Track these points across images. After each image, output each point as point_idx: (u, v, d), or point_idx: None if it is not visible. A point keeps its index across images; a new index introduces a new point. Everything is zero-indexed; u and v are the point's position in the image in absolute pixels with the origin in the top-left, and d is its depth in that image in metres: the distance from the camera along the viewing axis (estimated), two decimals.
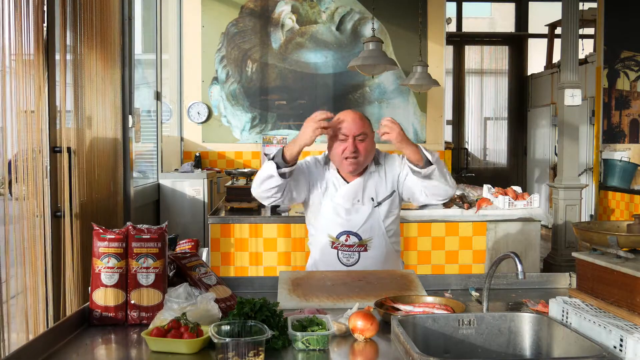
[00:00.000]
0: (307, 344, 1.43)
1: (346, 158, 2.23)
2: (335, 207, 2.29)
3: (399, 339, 1.44)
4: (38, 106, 2.24)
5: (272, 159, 2.16)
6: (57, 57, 2.37)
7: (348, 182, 2.32)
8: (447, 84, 8.60)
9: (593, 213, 7.40)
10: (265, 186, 2.18)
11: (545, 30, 9.47)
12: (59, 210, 2.40)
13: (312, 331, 1.46)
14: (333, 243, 2.30)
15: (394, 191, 2.34)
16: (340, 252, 2.29)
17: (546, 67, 9.40)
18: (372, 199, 2.30)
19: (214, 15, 6.55)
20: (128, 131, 3.28)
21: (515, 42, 10.28)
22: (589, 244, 1.64)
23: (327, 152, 2.38)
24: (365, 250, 2.29)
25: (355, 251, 2.29)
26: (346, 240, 2.29)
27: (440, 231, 4.04)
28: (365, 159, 2.27)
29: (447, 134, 9.70)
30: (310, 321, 1.51)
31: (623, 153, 6.67)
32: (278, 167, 2.13)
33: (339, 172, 2.34)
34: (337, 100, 6.65)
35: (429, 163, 2.12)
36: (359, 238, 2.28)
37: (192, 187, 5.29)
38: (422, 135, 6.79)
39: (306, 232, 3.96)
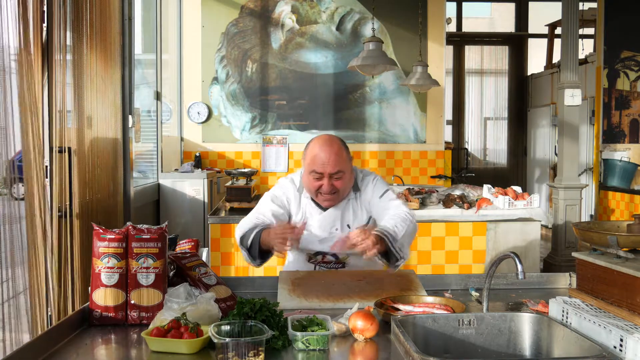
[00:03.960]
0: (307, 344, 1.43)
1: (322, 195, 2.13)
2: (311, 234, 2.19)
3: (399, 339, 1.44)
4: (38, 106, 2.24)
5: (249, 247, 2.01)
6: (57, 57, 2.37)
7: (324, 209, 2.21)
8: (447, 84, 8.60)
9: (593, 213, 7.40)
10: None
11: (545, 30, 9.46)
12: (59, 210, 2.40)
13: (312, 331, 1.46)
14: (310, 258, 2.26)
15: (370, 217, 2.24)
16: (318, 266, 2.25)
17: (546, 67, 9.40)
18: (349, 226, 2.20)
19: (214, 15, 6.55)
20: (128, 131, 3.28)
21: (515, 42, 10.28)
22: (589, 244, 1.64)
23: (301, 178, 2.25)
24: (344, 266, 2.25)
25: (334, 267, 2.24)
26: (323, 259, 2.25)
27: (440, 231, 4.04)
28: (343, 194, 2.16)
29: (447, 134, 9.69)
30: (310, 321, 1.51)
31: (623, 153, 6.67)
32: (253, 257, 2.04)
33: (314, 201, 2.23)
34: (337, 100, 6.65)
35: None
36: (336, 257, 2.24)
37: (192, 187, 5.29)
38: (422, 135, 6.79)
39: None
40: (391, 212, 2.13)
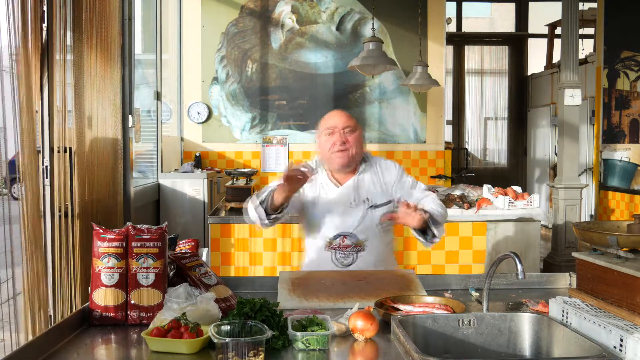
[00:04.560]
0: (307, 344, 1.43)
1: (335, 152, 2.22)
2: (329, 211, 2.26)
3: (399, 339, 1.44)
4: (38, 106, 2.24)
5: (262, 202, 2.14)
6: (57, 57, 2.37)
7: (340, 185, 2.29)
8: (447, 84, 8.60)
9: (593, 213, 7.40)
10: (259, 224, 2.22)
11: (545, 30, 9.47)
12: (59, 210, 2.40)
13: (312, 331, 1.46)
14: (329, 244, 2.28)
15: (391, 200, 2.31)
16: (336, 252, 2.27)
17: (546, 67, 9.40)
18: (365, 201, 2.27)
19: (214, 15, 6.55)
20: (128, 131, 3.28)
21: (515, 42, 10.28)
22: (589, 244, 1.64)
23: (317, 157, 2.36)
24: (362, 250, 2.27)
25: (352, 252, 2.26)
26: (342, 242, 2.27)
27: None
28: (356, 152, 2.25)
29: (447, 134, 9.69)
30: (310, 321, 1.51)
31: (623, 153, 6.67)
32: (267, 214, 2.15)
33: (330, 174, 2.31)
34: (337, 100, 6.65)
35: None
36: (355, 239, 2.26)
37: (192, 187, 5.29)
38: (422, 135, 6.79)
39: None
40: (428, 200, 2.27)
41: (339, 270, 2.27)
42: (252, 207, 2.18)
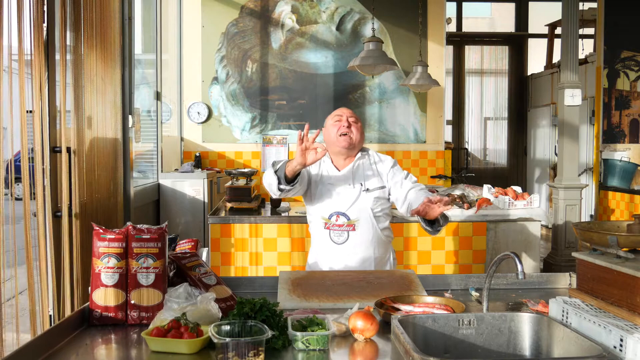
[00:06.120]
0: (307, 344, 1.43)
1: (340, 135, 2.48)
2: (328, 191, 2.51)
3: (399, 339, 1.44)
4: (38, 106, 2.24)
5: (276, 171, 2.34)
6: (57, 57, 2.37)
7: (339, 170, 2.55)
8: (447, 84, 8.60)
9: (593, 213, 7.40)
10: (271, 190, 2.41)
11: (545, 30, 9.47)
12: (59, 210, 2.40)
13: (312, 331, 1.46)
14: (326, 224, 2.48)
15: (384, 186, 2.53)
16: (331, 231, 2.47)
17: (546, 67, 9.40)
18: (360, 185, 2.50)
19: (214, 15, 6.55)
20: (128, 131, 3.28)
21: (515, 42, 10.28)
22: (589, 244, 1.64)
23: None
24: (354, 229, 2.45)
25: (345, 230, 2.46)
26: (336, 220, 2.46)
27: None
28: (357, 139, 2.52)
29: (447, 134, 9.69)
30: (310, 321, 1.51)
31: (623, 153, 6.67)
32: (279, 183, 2.34)
33: (331, 161, 2.56)
34: (337, 100, 6.65)
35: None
36: (347, 218, 2.45)
37: (192, 187, 5.29)
38: (422, 135, 6.79)
39: (306, 232, 3.99)
40: (420, 191, 2.48)
41: (339, 270, 2.28)
42: (269, 173, 2.38)
